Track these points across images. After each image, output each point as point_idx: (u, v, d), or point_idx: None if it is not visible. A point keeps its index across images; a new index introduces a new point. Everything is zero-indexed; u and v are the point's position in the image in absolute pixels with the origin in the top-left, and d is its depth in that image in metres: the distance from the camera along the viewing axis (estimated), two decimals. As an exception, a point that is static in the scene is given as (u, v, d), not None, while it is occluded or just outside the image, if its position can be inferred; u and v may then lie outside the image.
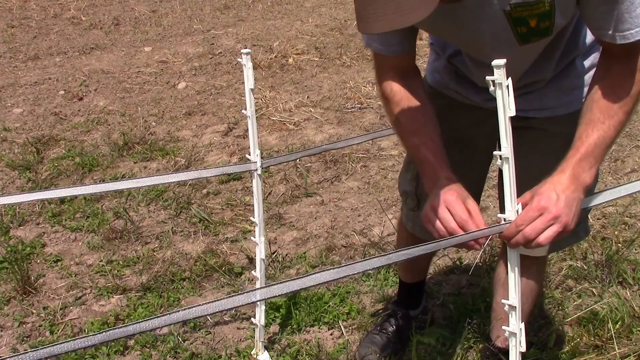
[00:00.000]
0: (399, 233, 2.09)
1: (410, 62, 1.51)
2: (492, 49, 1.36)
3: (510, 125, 1.21)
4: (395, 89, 1.49)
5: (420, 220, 1.79)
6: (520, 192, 1.51)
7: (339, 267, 1.07)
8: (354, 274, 1.08)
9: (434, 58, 1.72)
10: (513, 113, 1.20)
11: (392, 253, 1.14)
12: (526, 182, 1.33)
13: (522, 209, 1.28)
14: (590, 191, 1.40)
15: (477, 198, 1.82)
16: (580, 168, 1.29)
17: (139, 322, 0.89)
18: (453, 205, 1.30)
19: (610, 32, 1.24)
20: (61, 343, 0.85)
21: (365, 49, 5.19)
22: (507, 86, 1.17)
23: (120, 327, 0.89)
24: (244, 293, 0.98)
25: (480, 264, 2.57)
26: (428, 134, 1.45)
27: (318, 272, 1.04)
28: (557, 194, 1.26)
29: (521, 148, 1.62)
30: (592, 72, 1.45)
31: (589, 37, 1.49)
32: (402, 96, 1.48)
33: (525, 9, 1.26)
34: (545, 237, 1.25)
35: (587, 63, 1.53)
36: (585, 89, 1.51)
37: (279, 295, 1.00)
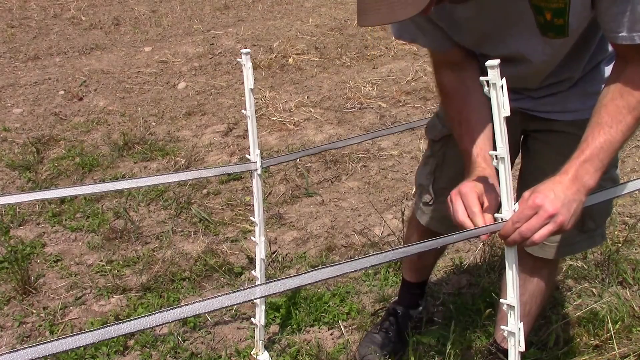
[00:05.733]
0: (409, 229, 2.08)
1: (459, 56, 1.52)
2: (516, 36, 1.37)
3: (506, 127, 1.21)
4: (445, 81, 1.54)
5: (436, 214, 1.81)
6: None
7: (338, 264, 1.07)
8: (354, 271, 1.08)
9: None
10: (508, 113, 1.20)
11: (390, 251, 1.14)
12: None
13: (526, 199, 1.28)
14: (607, 182, 1.40)
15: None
16: (584, 170, 1.28)
17: (136, 319, 0.89)
18: (466, 196, 1.32)
19: (625, 33, 1.24)
20: (57, 339, 0.85)
21: (366, 49, 5.19)
22: (502, 86, 1.17)
23: (116, 324, 0.89)
24: (243, 290, 0.97)
25: (480, 263, 2.57)
26: (471, 125, 1.48)
27: (318, 269, 1.04)
28: (555, 192, 1.25)
29: (543, 150, 1.64)
30: None
31: None
32: (451, 89, 1.53)
33: (542, 0, 1.27)
34: (539, 235, 1.25)
35: (611, 68, 1.52)
36: None
37: (278, 293, 1.00)
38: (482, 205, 1.32)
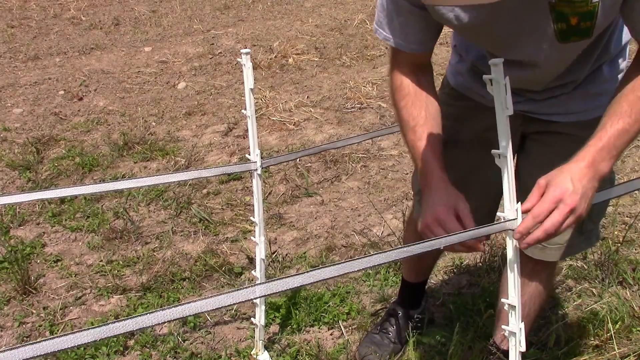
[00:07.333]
0: (407, 232, 2.08)
1: (426, 59, 1.52)
2: (529, 44, 1.35)
3: (509, 125, 1.21)
4: (405, 82, 1.50)
5: None
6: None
7: (339, 263, 1.07)
8: (355, 271, 1.08)
9: (457, 60, 1.70)
10: (511, 112, 1.19)
11: (392, 250, 1.14)
12: None
13: (536, 197, 1.25)
14: (605, 182, 1.40)
15: (496, 201, 1.82)
16: (600, 157, 1.27)
17: (136, 317, 0.88)
18: (444, 221, 1.32)
19: None
20: (58, 337, 0.85)
21: (366, 49, 5.19)
22: (505, 85, 1.17)
23: (116, 322, 0.89)
24: (243, 289, 0.97)
25: (480, 264, 2.57)
26: (427, 130, 1.46)
27: (319, 268, 1.04)
28: (573, 184, 1.23)
29: (543, 152, 1.63)
30: (618, 79, 1.45)
31: (615, 43, 1.48)
32: (410, 90, 1.49)
33: (568, 5, 1.25)
34: (562, 229, 1.24)
35: (613, 69, 1.51)
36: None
37: (278, 292, 1.00)
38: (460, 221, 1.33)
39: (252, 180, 1.93)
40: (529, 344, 1.43)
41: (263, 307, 2.05)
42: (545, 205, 1.23)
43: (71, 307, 2.43)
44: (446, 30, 1.63)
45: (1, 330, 2.31)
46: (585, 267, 2.49)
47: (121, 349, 2.19)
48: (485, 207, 1.80)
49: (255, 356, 2.12)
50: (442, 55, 4.93)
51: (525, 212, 1.26)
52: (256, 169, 1.90)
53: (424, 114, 1.47)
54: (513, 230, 1.27)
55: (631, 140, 1.30)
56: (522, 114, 1.56)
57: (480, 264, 2.57)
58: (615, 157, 1.28)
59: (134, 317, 0.89)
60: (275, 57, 5.03)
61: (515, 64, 1.39)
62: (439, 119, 1.50)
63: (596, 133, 1.29)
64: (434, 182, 1.41)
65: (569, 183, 1.23)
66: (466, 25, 1.36)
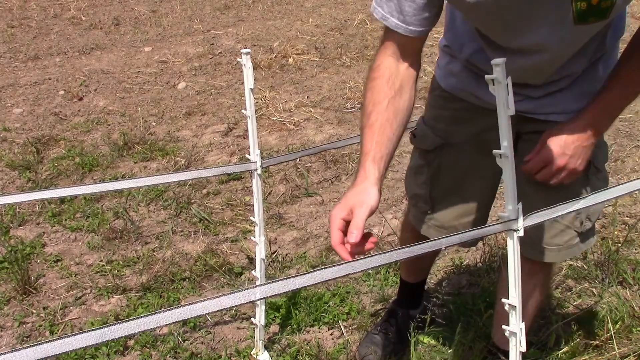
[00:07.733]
0: (403, 233, 2.06)
1: (417, 48, 1.43)
2: (542, 27, 1.30)
3: (511, 125, 1.21)
4: (384, 65, 1.40)
5: (434, 222, 1.79)
6: (535, 194, 1.51)
7: (340, 264, 1.07)
8: (355, 272, 1.08)
9: (447, 61, 1.65)
10: (512, 112, 1.19)
11: (394, 251, 1.14)
12: (543, 186, 1.36)
13: (536, 151, 1.45)
14: (601, 182, 1.55)
15: (489, 202, 1.81)
16: (600, 116, 1.39)
17: (137, 319, 0.88)
18: (331, 224, 1.26)
19: None
20: (59, 339, 0.85)
21: (366, 48, 5.19)
22: (507, 85, 1.16)
23: (117, 324, 0.89)
24: (243, 290, 0.97)
25: (480, 264, 2.57)
26: (380, 120, 1.38)
27: (319, 269, 1.04)
28: (564, 146, 1.40)
29: None
30: None
31: (611, 37, 1.47)
32: (384, 74, 1.40)
33: None
34: (552, 182, 1.45)
35: (607, 68, 1.50)
36: None
37: (279, 294, 1.00)
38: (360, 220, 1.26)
39: (252, 180, 1.93)
40: (529, 344, 1.43)
41: (263, 307, 2.05)
42: (537, 164, 1.45)
43: (71, 307, 2.43)
44: (438, 34, 1.63)
45: (1, 330, 2.31)
46: (585, 267, 2.49)
47: (121, 349, 2.19)
48: (483, 208, 1.80)
49: (255, 356, 2.12)
50: (442, 55, 4.92)
51: (526, 162, 1.47)
52: (256, 169, 1.90)
53: (385, 103, 1.38)
54: (514, 230, 1.27)
55: (631, 102, 1.41)
56: (518, 113, 1.55)
57: (480, 264, 2.57)
58: (615, 116, 1.41)
59: (135, 318, 0.89)
60: (275, 57, 5.03)
61: (519, 53, 1.37)
62: (403, 113, 1.41)
63: (599, 93, 1.38)
64: (357, 174, 1.34)
65: (559, 147, 1.40)
66: (479, 3, 1.29)
